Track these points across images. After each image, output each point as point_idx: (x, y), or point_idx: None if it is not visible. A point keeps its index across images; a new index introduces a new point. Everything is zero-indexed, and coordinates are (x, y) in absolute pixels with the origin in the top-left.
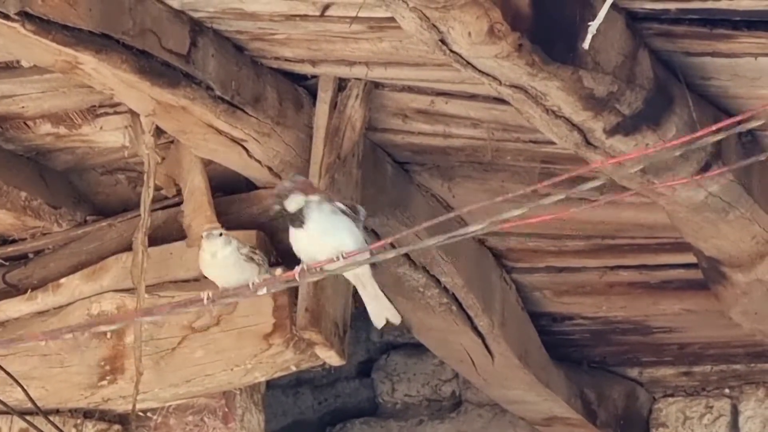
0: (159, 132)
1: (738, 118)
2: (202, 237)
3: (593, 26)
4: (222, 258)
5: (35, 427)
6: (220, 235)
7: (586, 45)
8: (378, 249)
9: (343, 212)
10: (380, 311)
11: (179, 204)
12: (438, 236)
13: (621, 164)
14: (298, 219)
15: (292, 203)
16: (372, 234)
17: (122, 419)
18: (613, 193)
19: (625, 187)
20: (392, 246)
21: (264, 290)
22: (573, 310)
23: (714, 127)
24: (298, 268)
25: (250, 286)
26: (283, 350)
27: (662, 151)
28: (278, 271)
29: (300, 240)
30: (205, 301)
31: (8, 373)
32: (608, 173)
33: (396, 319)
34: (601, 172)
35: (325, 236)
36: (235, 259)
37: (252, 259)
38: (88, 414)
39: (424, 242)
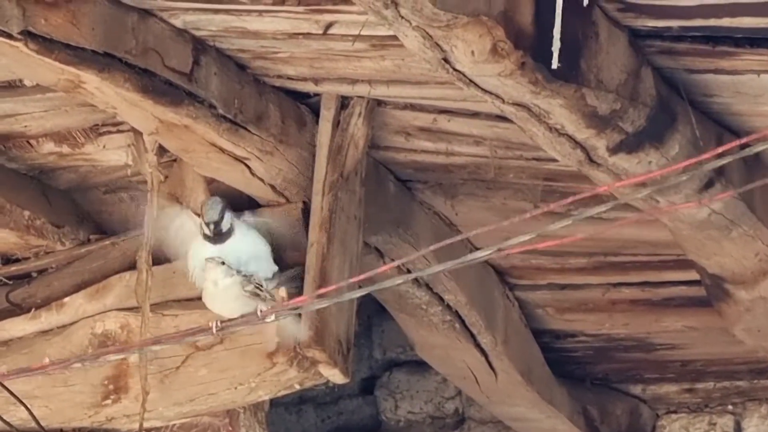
0: (162, 150)
1: (744, 140)
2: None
3: (555, 38)
4: (223, 288)
5: None
6: (222, 263)
7: (554, 65)
8: (385, 273)
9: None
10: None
11: None
12: (448, 262)
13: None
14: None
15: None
16: (375, 252)
17: None
18: (620, 215)
19: (628, 205)
20: (401, 269)
21: (272, 317)
22: (576, 327)
23: (720, 149)
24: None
25: (258, 313)
26: (287, 368)
27: (666, 167)
28: (282, 292)
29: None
30: (214, 330)
31: (12, 393)
32: (614, 193)
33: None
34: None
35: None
36: (237, 293)
37: (257, 295)
38: None
39: (432, 267)
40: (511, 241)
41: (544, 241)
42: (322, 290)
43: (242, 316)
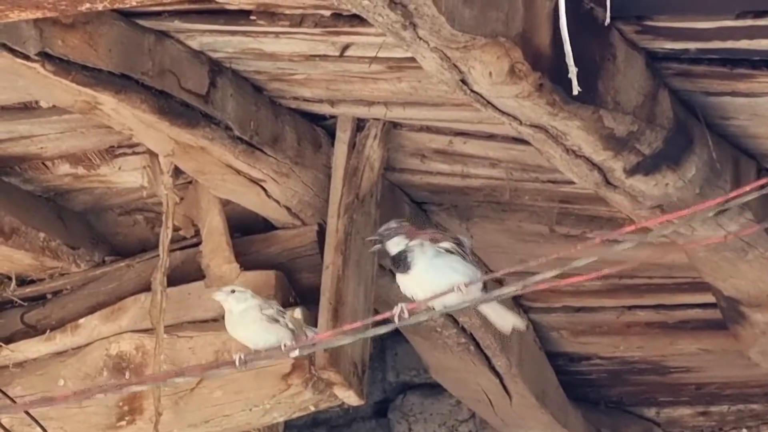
0: (177, 172)
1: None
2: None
3: (570, 65)
4: (238, 314)
5: None
6: (233, 291)
7: (575, 91)
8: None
9: (448, 251)
10: (503, 322)
11: (198, 244)
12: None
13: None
14: (401, 263)
15: (393, 245)
16: (391, 274)
17: None
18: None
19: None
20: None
21: (296, 352)
22: (590, 350)
23: (747, 188)
24: (396, 309)
25: (282, 348)
26: (302, 390)
27: (683, 189)
28: (297, 314)
29: (406, 285)
30: (237, 364)
31: (29, 414)
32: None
33: (521, 325)
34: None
35: (431, 280)
36: (255, 317)
37: (277, 321)
38: None
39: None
40: (535, 278)
41: (569, 277)
42: (348, 327)
43: (266, 350)
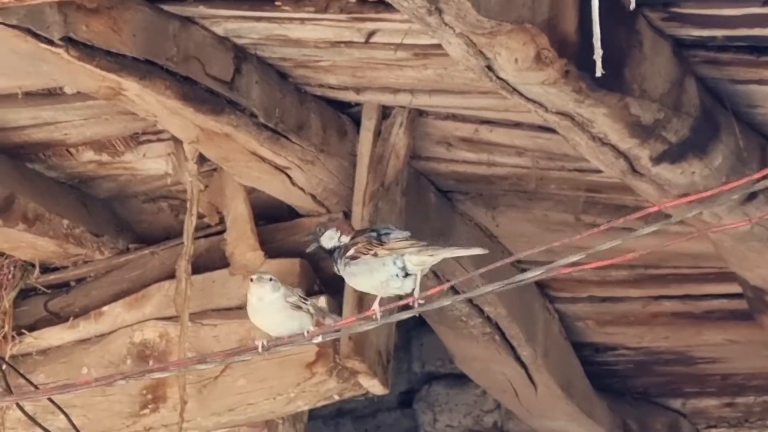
0: (202, 159)
1: None
2: (251, 281)
3: (597, 47)
4: (268, 302)
5: None
6: (270, 279)
7: (598, 72)
8: (435, 295)
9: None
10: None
11: (222, 232)
12: (497, 282)
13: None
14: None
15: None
16: None
17: None
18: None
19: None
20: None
21: (319, 338)
22: (616, 340)
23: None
24: (375, 305)
25: (305, 333)
26: (326, 379)
27: (709, 177)
28: (321, 302)
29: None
30: (260, 349)
31: (52, 401)
32: (664, 211)
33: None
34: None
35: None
36: (281, 305)
37: (299, 307)
38: None
39: (482, 288)
40: (560, 262)
41: (593, 262)
42: (370, 311)
43: (289, 337)
